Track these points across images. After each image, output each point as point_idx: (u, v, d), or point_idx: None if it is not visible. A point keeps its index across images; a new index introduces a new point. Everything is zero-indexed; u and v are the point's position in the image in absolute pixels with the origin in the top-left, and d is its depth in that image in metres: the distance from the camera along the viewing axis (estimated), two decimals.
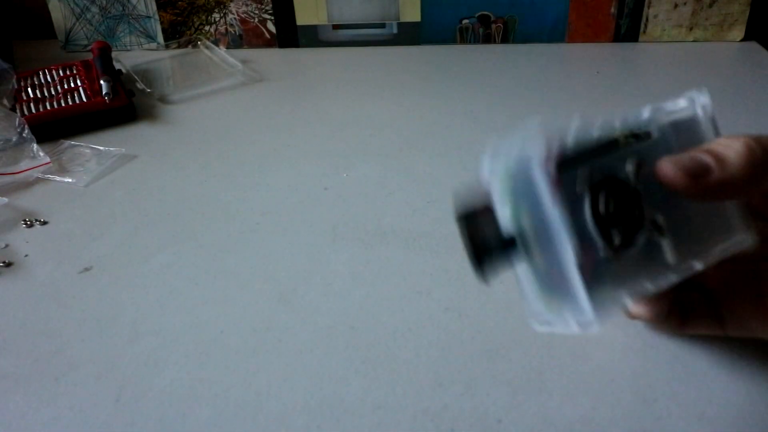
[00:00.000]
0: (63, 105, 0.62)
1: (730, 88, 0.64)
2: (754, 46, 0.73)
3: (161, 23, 0.79)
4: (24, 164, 0.54)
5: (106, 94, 0.62)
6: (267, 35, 0.79)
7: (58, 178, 0.53)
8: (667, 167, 0.27)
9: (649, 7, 0.73)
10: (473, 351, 0.35)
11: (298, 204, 0.49)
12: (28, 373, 0.35)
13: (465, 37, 0.77)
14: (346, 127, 0.60)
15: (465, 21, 0.76)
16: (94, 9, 0.78)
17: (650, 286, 0.27)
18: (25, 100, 0.62)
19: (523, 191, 0.25)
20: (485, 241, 0.26)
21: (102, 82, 0.63)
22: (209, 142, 0.58)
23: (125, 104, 0.62)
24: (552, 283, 0.26)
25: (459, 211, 0.26)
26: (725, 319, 0.32)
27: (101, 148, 0.57)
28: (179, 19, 0.79)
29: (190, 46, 0.79)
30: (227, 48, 0.79)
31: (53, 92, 0.64)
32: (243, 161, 0.55)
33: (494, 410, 0.31)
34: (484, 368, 0.34)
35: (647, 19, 0.74)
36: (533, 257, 0.26)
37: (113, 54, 0.71)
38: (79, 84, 0.65)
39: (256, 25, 0.79)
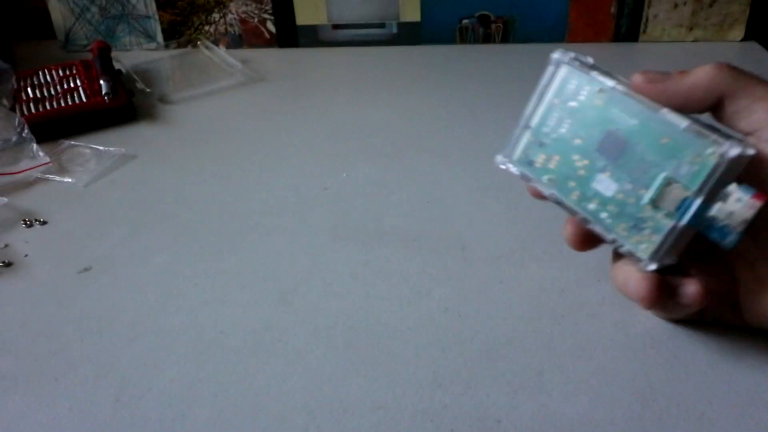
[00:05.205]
0: (63, 105, 0.61)
1: None
2: (754, 46, 0.73)
3: (161, 23, 0.79)
4: (23, 164, 0.54)
5: (105, 93, 0.62)
6: (267, 35, 0.79)
7: (57, 178, 0.53)
8: (636, 76, 0.31)
9: (649, 7, 0.73)
10: (473, 351, 0.35)
11: (297, 204, 0.48)
12: (27, 373, 0.35)
13: (465, 37, 0.77)
14: (346, 126, 0.60)
15: (465, 21, 0.76)
16: (94, 9, 0.78)
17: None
18: (24, 100, 0.62)
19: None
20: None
21: (102, 81, 0.63)
22: (209, 142, 0.58)
23: (125, 104, 0.62)
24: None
25: None
26: (740, 306, 0.32)
27: (101, 148, 0.57)
28: (179, 19, 0.79)
29: (189, 46, 0.78)
30: (227, 48, 0.79)
31: (53, 92, 0.64)
32: (243, 161, 0.55)
33: (494, 410, 0.31)
34: (484, 368, 0.34)
35: (647, 19, 0.74)
36: None
37: (113, 54, 0.71)
38: (78, 84, 0.65)
39: (256, 25, 0.79)
